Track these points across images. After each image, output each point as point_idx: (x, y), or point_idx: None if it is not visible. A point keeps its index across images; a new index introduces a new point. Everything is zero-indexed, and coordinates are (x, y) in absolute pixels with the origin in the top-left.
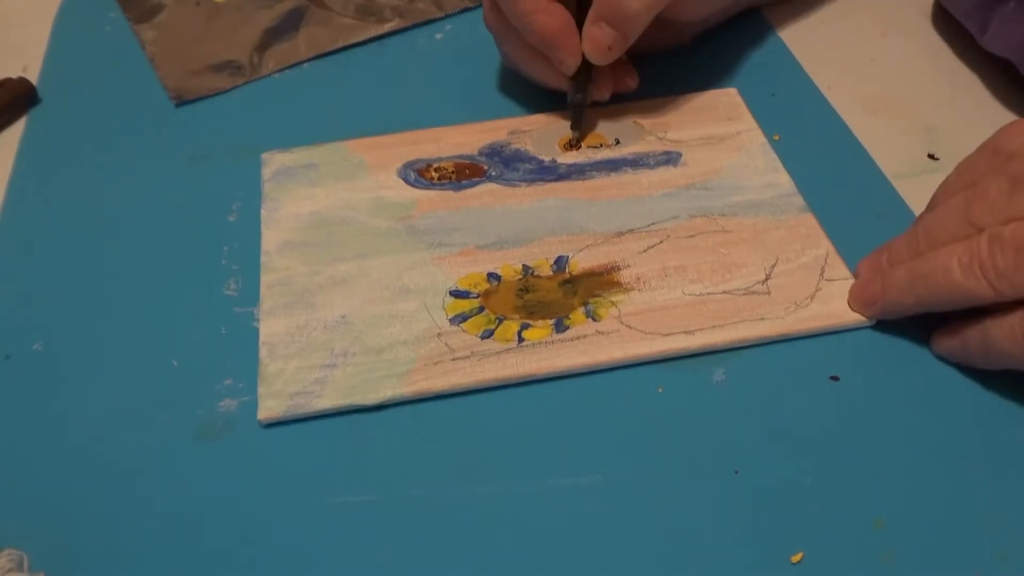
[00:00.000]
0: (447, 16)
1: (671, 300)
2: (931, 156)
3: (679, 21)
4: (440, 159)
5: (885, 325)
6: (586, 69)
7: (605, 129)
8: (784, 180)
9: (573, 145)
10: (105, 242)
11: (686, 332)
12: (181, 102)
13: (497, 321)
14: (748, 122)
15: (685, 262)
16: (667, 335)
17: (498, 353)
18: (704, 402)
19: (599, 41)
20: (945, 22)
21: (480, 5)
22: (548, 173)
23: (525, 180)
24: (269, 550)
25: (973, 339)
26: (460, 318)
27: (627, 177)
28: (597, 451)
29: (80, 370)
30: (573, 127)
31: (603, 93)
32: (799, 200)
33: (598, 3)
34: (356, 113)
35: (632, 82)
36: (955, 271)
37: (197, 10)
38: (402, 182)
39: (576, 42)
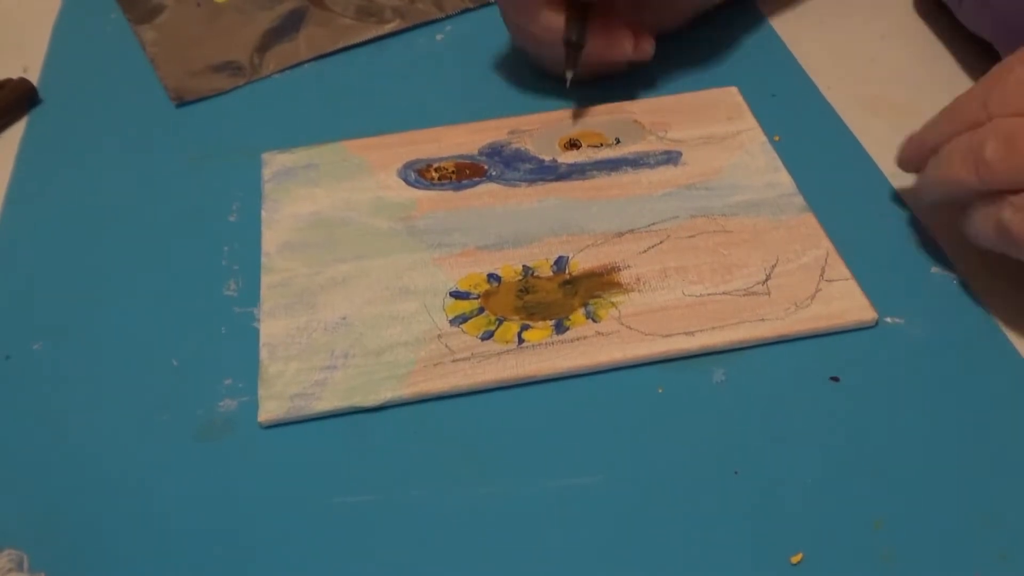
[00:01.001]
0: (447, 17)
1: (671, 301)
2: None
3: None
4: (440, 159)
5: (885, 326)
6: (580, 8)
7: (605, 128)
8: (785, 180)
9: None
10: (105, 242)
11: (686, 333)
12: (181, 103)
13: (497, 322)
14: (749, 121)
15: (685, 262)
16: (667, 336)
17: (498, 354)
18: (704, 403)
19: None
20: (945, 22)
21: (482, 6)
22: (548, 173)
23: (525, 180)
24: (269, 550)
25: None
26: (460, 319)
27: (627, 177)
28: (597, 452)
29: (80, 370)
30: (567, 66)
31: (623, 49)
32: (799, 200)
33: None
34: (356, 113)
35: (649, 47)
36: (955, 160)
37: (198, 11)
38: (402, 182)
39: None
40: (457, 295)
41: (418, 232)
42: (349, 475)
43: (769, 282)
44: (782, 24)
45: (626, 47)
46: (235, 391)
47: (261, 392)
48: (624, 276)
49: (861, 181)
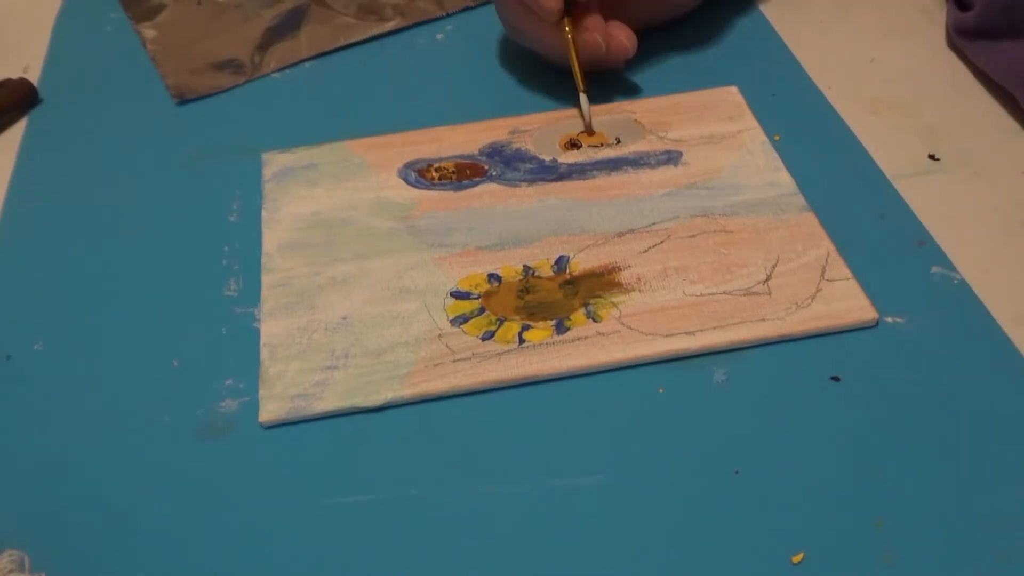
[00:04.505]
0: (448, 15)
1: (672, 301)
2: (932, 156)
3: None
4: (441, 159)
5: (886, 325)
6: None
7: (606, 128)
8: (785, 179)
9: (571, 142)
10: (106, 242)
11: (687, 333)
12: (182, 100)
13: (498, 322)
14: (749, 121)
15: (686, 262)
16: (668, 336)
17: (499, 354)
18: (705, 403)
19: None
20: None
21: (481, 5)
22: (549, 173)
23: (526, 180)
24: (269, 550)
25: None
26: (461, 319)
27: (628, 176)
28: (598, 452)
29: (81, 370)
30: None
31: (596, 45)
32: (800, 199)
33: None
34: (357, 113)
35: (628, 43)
36: None
37: (199, 9)
38: (403, 182)
39: None
40: (458, 295)
41: (418, 232)
42: (350, 475)
43: (770, 282)
44: (782, 24)
45: (599, 43)
46: (236, 391)
47: (262, 392)
48: (625, 276)
49: (862, 180)
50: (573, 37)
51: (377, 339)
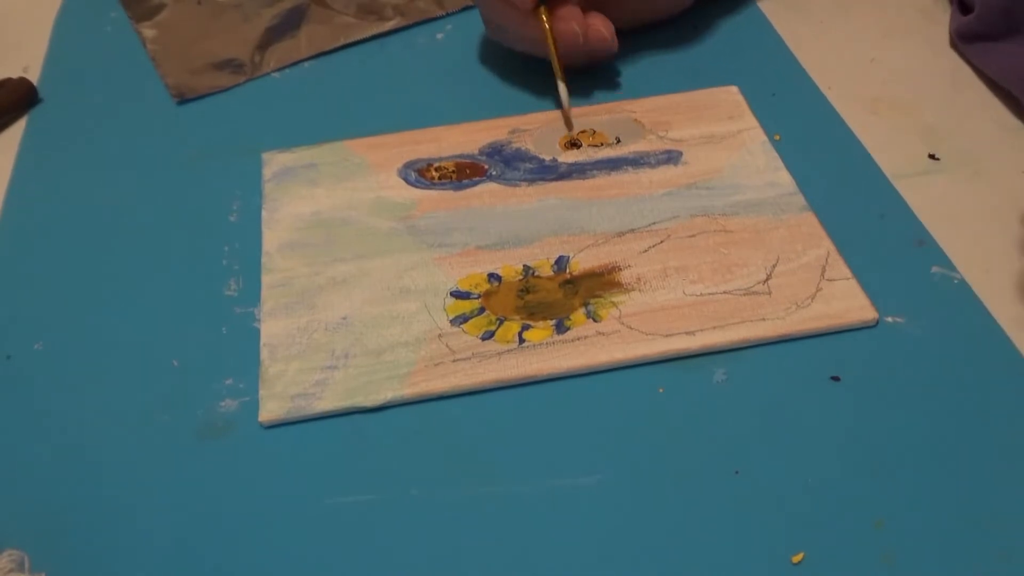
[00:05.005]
0: (448, 15)
1: (672, 300)
2: (932, 156)
3: None
4: (441, 159)
5: (886, 325)
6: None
7: (606, 127)
8: (785, 179)
9: (571, 142)
10: (105, 242)
11: (687, 333)
12: (182, 100)
13: (498, 322)
14: (749, 120)
15: (686, 262)
16: (668, 336)
17: (499, 354)
18: (705, 402)
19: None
20: (945, 21)
21: None
22: (549, 172)
23: (526, 179)
24: (270, 550)
25: None
26: (461, 319)
27: (628, 176)
28: (598, 451)
29: (81, 370)
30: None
31: (573, 34)
32: (800, 199)
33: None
34: (357, 112)
35: (607, 32)
36: None
37: (198, 8)
38: (403, 182)
39: None
40: (458, 295)
41: (418, 232)
42: (350, 475)
43: (770, 281)
44: (782, 23)
45: (576, 32)
46: (236, 391)
47: (262, 392)
48: (625, 276)
49: (861, 180)
50: (551, 26)
51: (377, 339)
